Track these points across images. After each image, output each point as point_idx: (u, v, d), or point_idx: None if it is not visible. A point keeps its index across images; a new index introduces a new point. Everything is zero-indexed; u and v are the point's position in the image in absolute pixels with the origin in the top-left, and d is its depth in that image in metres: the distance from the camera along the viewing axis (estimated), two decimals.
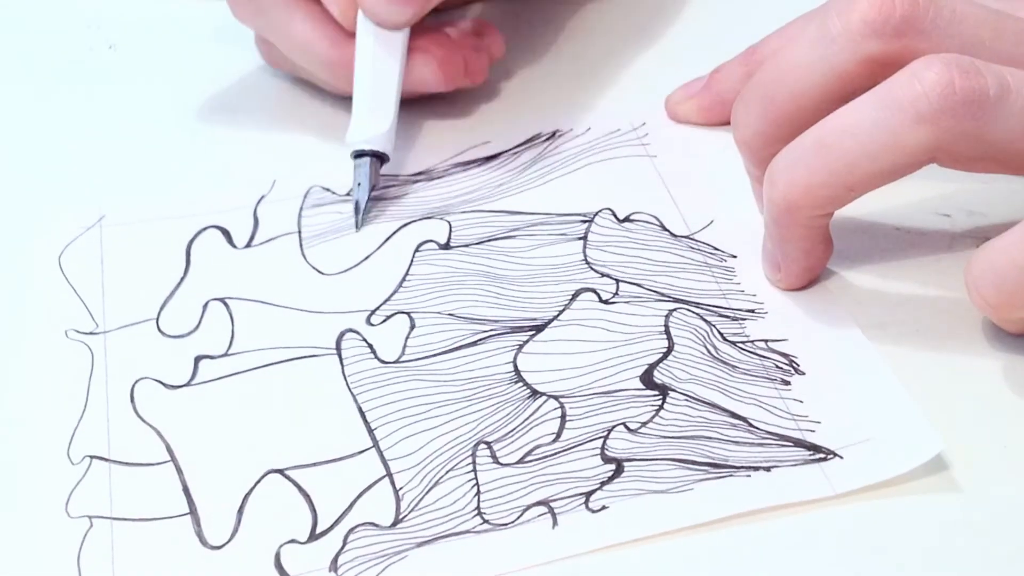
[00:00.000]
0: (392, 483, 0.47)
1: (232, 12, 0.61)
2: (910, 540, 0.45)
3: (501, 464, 0.48)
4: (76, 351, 0.53)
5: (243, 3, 0.61)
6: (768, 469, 0.46)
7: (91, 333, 0.53)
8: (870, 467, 0.46)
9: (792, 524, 0.45)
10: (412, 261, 0.55)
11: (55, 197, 0.59)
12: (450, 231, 0.56)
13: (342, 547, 0.46)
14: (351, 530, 0.46)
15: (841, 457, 0.47)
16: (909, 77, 0.47)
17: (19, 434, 0.50)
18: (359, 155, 0.58)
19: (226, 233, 0.57)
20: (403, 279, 0.54)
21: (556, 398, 0.49)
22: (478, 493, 0.47)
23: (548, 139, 0.60)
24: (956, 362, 0.50)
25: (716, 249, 0.54)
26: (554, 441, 0.48)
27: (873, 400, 0.48)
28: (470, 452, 0.48)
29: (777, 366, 0.50)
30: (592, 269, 0.54)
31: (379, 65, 0.58)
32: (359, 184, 0.57)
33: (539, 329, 0.52)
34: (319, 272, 0.55)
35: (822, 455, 0.47)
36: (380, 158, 0.58)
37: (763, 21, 0.63)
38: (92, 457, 0.49)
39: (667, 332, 0.51)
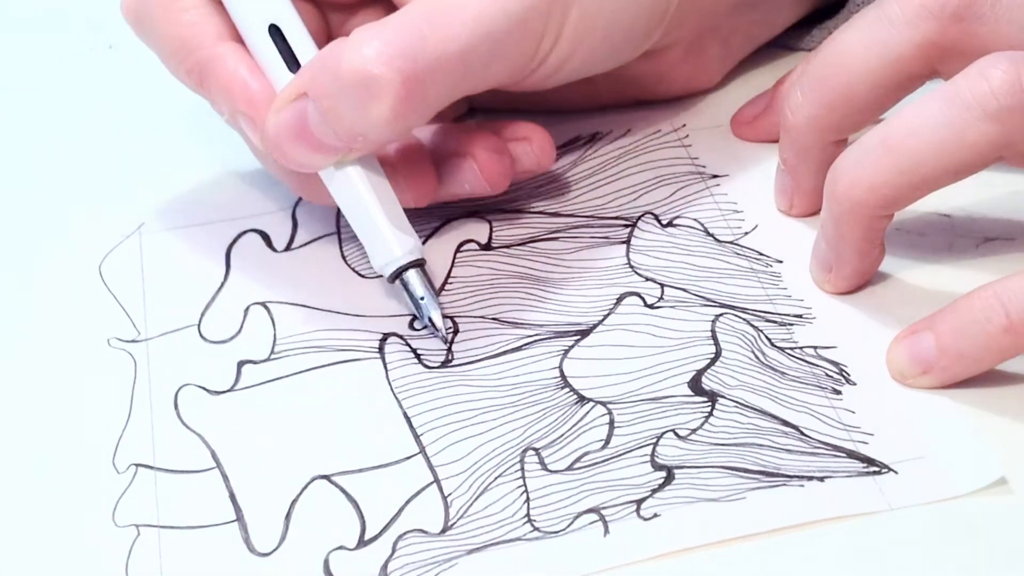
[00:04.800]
0: (440, 489, 0.47)
1: None
2: (965, 555, 0.44)
3: (550, 471, 0.47)
4: (119, 359, 0.52)
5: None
6: (822, 479, 0.46)
7: (133, 341, 0.53)
8: (927, 485, 0.46)
9: (844, 535, 0.45)
10: (453, 262, 0.55)
11: (89, 203, 0.59)
12: (491, 231, 0.56)
13: (392, 554, 0.46)
14: (400, 536, 0.46)
15: (896, 472, 0.46)
16: (976, 75, 0.47)
17: (64, 444, 0.50)
18: (399, 273, 0.52)
19: (265, 236, 0.57)
20: (445, 281, 0.54)
21: (604, 404, 0.49)
22: (527, 500, 0.47)
23: (588, 142, 0.60)
24: None
25: (761, 254, 0.54)
26: (603, 448, 0.48)
27: (927, 415, 0.48)
28: (518, 458, 0.48)
29: (828, 374, 0.50)
30: (636, 273, 0.54)
31: (371, 180, 0.52)
32: (422, 298, 0.52)
33: (584, 334, 0.52)
34: (359, 275, 0.55)
35: (876, 468, 0.47)
36: (420, 266, 0.53)
37: None
38: (138, 465, 0.49)
39: (714, 337, 0.51)
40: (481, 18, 0.50)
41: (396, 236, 0.52)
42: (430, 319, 0.52)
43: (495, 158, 0.54)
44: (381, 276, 0.54)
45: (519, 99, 0.58)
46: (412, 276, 0.52)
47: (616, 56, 0.56)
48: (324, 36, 0.56)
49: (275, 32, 0.53)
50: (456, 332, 0.52)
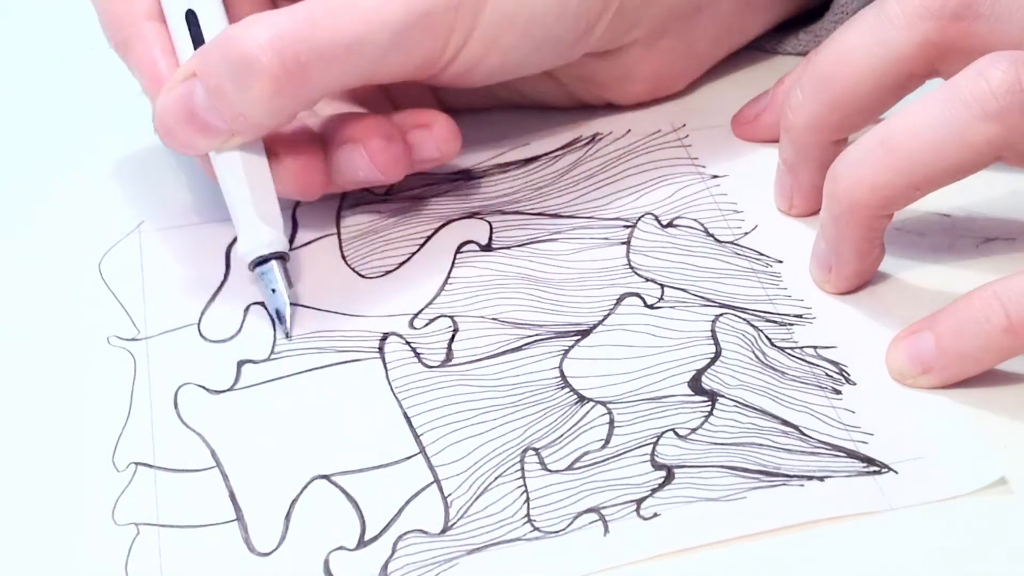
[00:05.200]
0: (440, 490, 0.47)
1: None
2: (965, 554, 0.44)
3: (550, 471, 0.47)
4: (118, 358, 0.52)
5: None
6: (822, 479, 0.46)
7: (133, 339, 0.53)
8: (927, 484, 0.46)
9: (844, 535, 0.45)
10: (453, 263, 0.55)
11: (89, 201, 0.59)
12: (491, 232, 0.56)
13: (392, 554, 0.46)
14: (400, 537, 0.46)
15: (896, 472, 0.46)
16: (975, 75, 0.47)
17: (64, 442, 0.50)
18: (260, 262, 0.53)
19: None
20: (445, 281, 0.54)
21: (604, 404, 0.49)
22: (527, 500, 0.47)
23: (588, 143, 0.60)
24: None
25: (761, 254, 0.54)
26: (603, 447, 0.48)
27: (927, 415, 0.48)
28: (518, 458, 0.48)
29: (828, 374, 0.50)
30: (636, 274, 0.54)
31: (249, 167, 0.53)
32: (273, 291, 0.53)
33: (584, 334, 0.52)
34: (359, 275, 0.55)
35: (876, 468, 0.47)
36: (282, 258, 0.53)
37: None
38: (137, 464, 0.49)
39: (714, 337, 0.51)
40: (380, 11, 0.51)
41: (262, 225, 0.53)
42: (277, 311, 0.53)
43: (385, 144, 0.54)
44: (381, 275, 0.54)
45: (481, 97, 0.58)
46: (267, 270, 0.53)
47: (545, 57, 0.56)
48: None
49: (191, 17, 0.54)
50: (456, 331, 0.52)
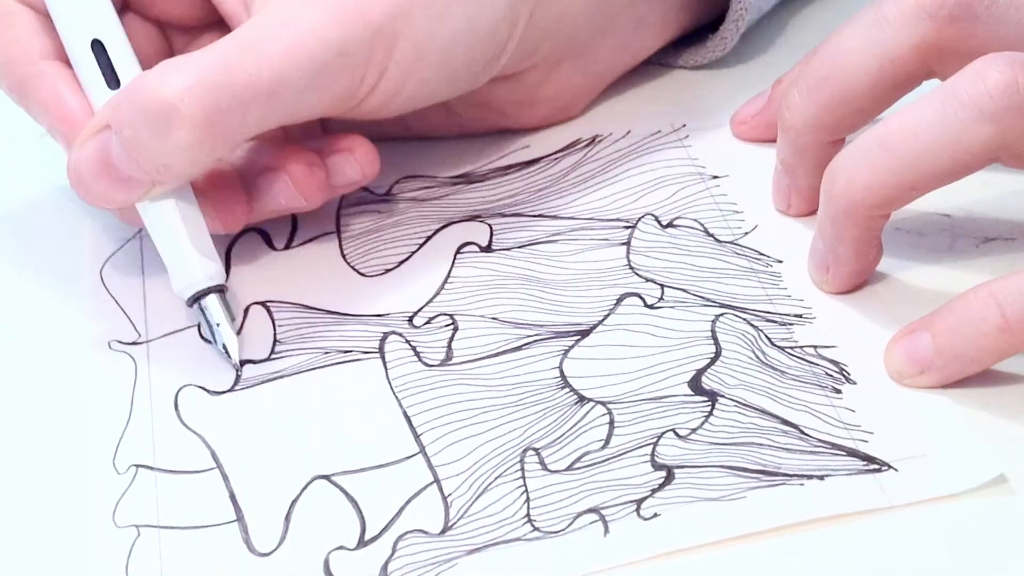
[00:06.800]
0: (440, 489, 0.47)
1: None
2: (965, 553, 0.44)
3: (550, 471, 0.47)
4: (119, 361, 0.52)
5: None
6: (822, 478, 0.46)
7: (134, 343, 0.53)
8: (927, 482, 0.46)
9: (844, 534, 0.45)
10: (453, 263, 0.55)
11: (90, 208, 0.59)
12: (491, 234, 0.56)
13: (392, 554, 0.46)
14: (400, 537, 0.46)
15: (896, 470, 0.46)
16: (972, 76, 0.47)
17: (65, 446, 0.50)
18: (197, 297, 0.52)
19: (265, 235, 0.57)
20: (445, 281, 0.54)
21: (604, 404, 0.49)
22: (527, 500, 0.47)
23: (588, 144, 0.60)
24: None
25: (761, 254, 0.54)
26: (603, 448, 0.48)
27: (927, 413, 0.48)
28: (518, 458, 0.48)
29: (828, 373, 0.50)
30: (636, 274, 0.54)
31: (180, 202, 0.52)
32: (218, 324, 0.52)
33: (584, 334, 0.52)
34: (360, 274, 0.55)
35: (876, 466, 0.47)
36: (221, 291, 0.52)
37: (797, 15, 0.63)
38: (138, 466, 0.49)
39: (714, 337, 0.51)
40: (295, 50, 0.50)
41: (198, 260, 0.52)
42: (224, 347, 0.52)
43: (308, 171, 0.54)
44: (380, 274, 0.54)
45: (373, 126, 0.57)
46: (210, 301, 0.52)
47: (457, 84, 0.55)
48: (166, 56, 0.55)
49: (98, 47, 0.53)
50: (456, 330, 0.52)
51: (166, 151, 0.50)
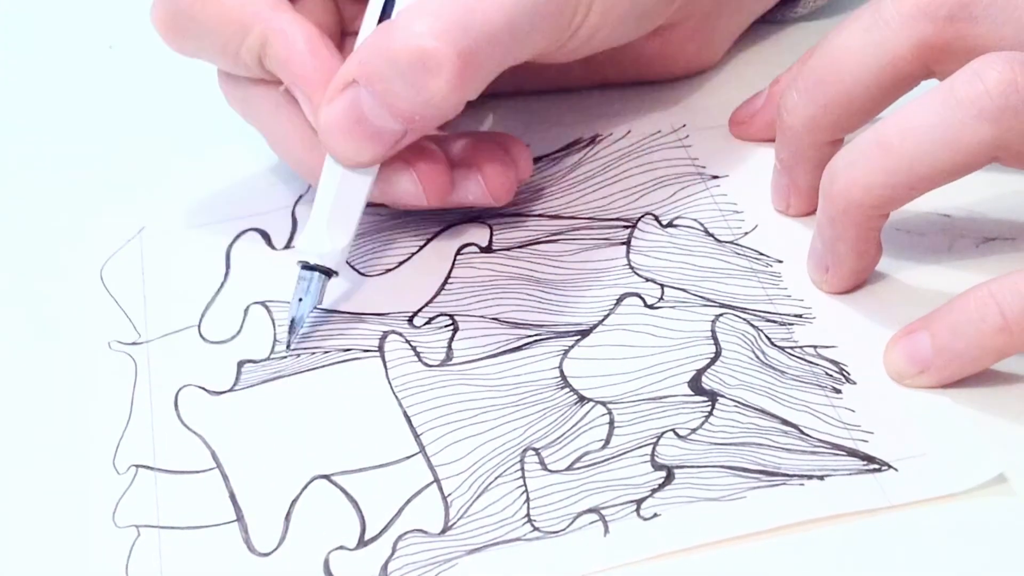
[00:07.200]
0: (440, 489, 0.47)
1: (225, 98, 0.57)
2: (965, 553, 0.44)
3: (550, 471, 0.47)
4: (119, 362, 0.53)
5: (231, 91, 0.56)
6: (822, 478, 0.46)
7: (134, 343, 0.53)
8: (927, 482, 0.46)
9: (844, 534, 0.45)
10: (454, 264, 0.55)
11: (90, 208, 0.59)
12: (491, 234, 0.56)
13: (392, 554, 0.46)
14: (400, 537, 0.46)
15: (896, 469, 0.46)
16: (971, 75, 0.47)
17: (66, 446, 0.50)
18: (307, 267, 0.52)
19: (265, 235, 0.57)
20: (445, 281, 0.54)
21: (604, 404, 0.49)
22: (527, 500, 0.47)
23: (588, 144, 0.60)
24: None
25: (761, 254, 0.54)
26: (603, 448, 0.48)
27: (927, 413, 0.48)
28: (518, 458, 0.48)
29: (827, 373, 0.50)
30: (636, 274, 0.54)
31: (347, 179, 0.52)
32: (300, 299, 0.52)
33: (584, 334, 0.52)
34: (360, 273, 0.55)
35: (876, 466, 0.47)
36: (328, 274, 0.53)
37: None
38: (138, 466, 0.49)
39: (714, 337, 0.51)
40: None
41: (328, 234, 0.52)
42: (292, 319, 0.52)
43: (501, 171, 0.54)
44: (381, 274, 0.54)
45: (524, 80, 0.58)
46: (307, 277, 0.52)
47: (642, 24, 0.56)
48: (338, 30, 0.56)
49: None
50: (456, 330, 0.52)
51: (421, 99, 0.50)
